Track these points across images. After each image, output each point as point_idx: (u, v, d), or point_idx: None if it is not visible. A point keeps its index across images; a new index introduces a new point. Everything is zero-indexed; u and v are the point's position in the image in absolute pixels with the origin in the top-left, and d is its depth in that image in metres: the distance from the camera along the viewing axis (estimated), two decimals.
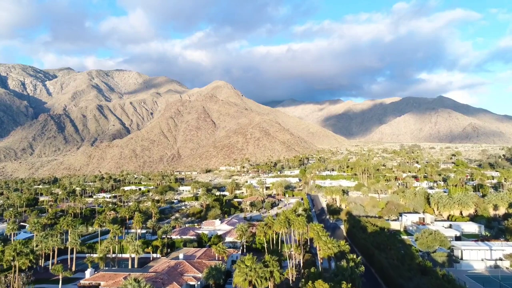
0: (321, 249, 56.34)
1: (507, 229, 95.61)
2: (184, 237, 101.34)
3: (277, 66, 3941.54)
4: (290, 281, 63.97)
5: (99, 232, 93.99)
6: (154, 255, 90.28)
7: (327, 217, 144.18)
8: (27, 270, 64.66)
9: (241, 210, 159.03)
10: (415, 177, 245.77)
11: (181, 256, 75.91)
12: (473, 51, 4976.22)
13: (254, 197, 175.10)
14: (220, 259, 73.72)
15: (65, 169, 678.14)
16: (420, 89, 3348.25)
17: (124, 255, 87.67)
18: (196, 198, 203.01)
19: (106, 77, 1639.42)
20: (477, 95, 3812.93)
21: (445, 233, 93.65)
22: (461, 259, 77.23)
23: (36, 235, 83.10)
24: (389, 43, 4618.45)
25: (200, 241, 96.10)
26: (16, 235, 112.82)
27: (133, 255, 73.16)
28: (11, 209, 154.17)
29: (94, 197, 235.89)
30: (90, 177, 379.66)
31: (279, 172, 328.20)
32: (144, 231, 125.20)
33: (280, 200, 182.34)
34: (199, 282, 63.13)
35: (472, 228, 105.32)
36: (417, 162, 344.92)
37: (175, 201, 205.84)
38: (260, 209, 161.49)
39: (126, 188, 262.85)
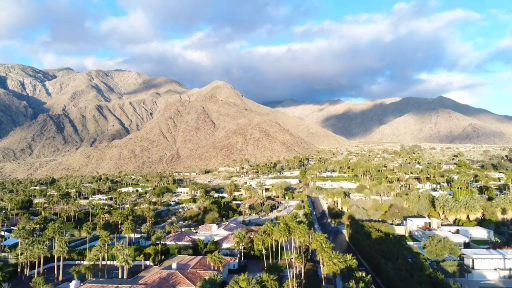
0: (325, 264, 51.60)
1: None
2: (179, 243, 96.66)
3: (277, 66, 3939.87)
4: None
5: (87, 239, 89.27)
6: (147, 262, 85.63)
7: (329, 220, 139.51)
8: (7, 281, 59.90)
9: (240, 213, 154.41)
10: (417, 179, 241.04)
11: (174, 265, 71.29)
12: (473, 51, 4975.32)
13: (253, 200, 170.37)
14: (216, 268, 69.15)
15: (63, 169, 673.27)
16: (420, 89, 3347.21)
17: (115, 263, 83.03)
18: (194, 200, 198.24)
19: (105, 77, 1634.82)
20: (477, 95, 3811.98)
21: (453, 239, 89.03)
22: (473, 268, 72.58)
23: (21, 243, 78.41)
24: (389, 43, 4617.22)
25: (195, 248, 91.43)
26: (5, 240, 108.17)
27: (123, 264, 68.53)
28: (2, 212, 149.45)
29: (90, 199, 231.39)
30: (88, 178, 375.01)
31: (278, 173, 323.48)
32: (138, 235, 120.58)
33: (280, 202, 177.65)
34: None
35: (480, 233, 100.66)
36: (419, 163, 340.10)
37: (172, 203, 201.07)
38: (259, 212, 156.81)
39: (123, 190, 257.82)
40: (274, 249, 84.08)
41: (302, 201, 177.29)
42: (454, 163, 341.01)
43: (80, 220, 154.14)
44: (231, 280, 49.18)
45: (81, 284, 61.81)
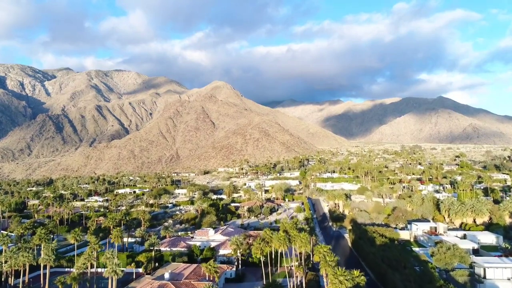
0: (330, 282, 46.96)
1: None
2: (174, 249, 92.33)
3: (277, 67, 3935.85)
4: None
5: (75, 246, 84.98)
6: (139, 269, 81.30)
7: (330, 224, 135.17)
8: None
9: (238, 216, 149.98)
10: (420, 180, 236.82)
11: (167, 275, 67.01)
12: (473, 51, 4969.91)
13: (252, 202, 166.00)
14: (211, 279, 64.89)
15: (62, 170, 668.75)
16: (420, 89, 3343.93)
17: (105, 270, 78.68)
18: (192, 202, 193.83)
19: (105, 78, 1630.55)
20: (477, 95, 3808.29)
21: (461, 246, 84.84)
22: (485, 278, 68.27)
23: (5, 250, 74.10)
24: (389, 43, 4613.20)
25: (191, 255, 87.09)
26: None
27: (112, 275, 64.22)
28: None
29: (86, 200, 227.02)
30: (85, 179, 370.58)
31: (278, 174, 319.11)
32: (133, 240, 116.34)
33: (280, 205, 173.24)
34: None
35: (489, 238, 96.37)
36: (420, 164, 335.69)
37: (169, 205, 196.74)
38: (258, 215, 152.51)
39: (120, 191, 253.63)
40: (273, 256, 79.77)
41: (302, 203, 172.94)
42: (456, 164, 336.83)
43: (74, 223, 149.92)
44: None
45: None
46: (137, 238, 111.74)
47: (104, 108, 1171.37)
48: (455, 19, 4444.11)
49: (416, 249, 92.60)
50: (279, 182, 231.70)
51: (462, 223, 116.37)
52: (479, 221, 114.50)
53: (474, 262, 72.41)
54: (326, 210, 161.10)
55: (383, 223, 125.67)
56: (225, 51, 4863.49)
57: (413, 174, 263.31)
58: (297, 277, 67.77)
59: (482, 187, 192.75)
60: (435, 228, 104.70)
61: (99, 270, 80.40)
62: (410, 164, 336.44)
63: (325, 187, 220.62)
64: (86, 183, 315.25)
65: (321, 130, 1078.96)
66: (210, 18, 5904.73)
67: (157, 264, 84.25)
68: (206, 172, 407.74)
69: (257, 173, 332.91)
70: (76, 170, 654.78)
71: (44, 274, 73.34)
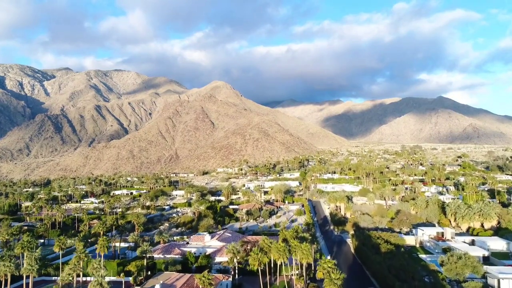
0: None
1: None
2: (168, 256, 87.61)
3: (277, 67, 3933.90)
4: None
5: (60, 254, 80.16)
6: (129, 278, 76.53)
7: (331, 227, 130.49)
8: None
9: (237, 219, 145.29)
10: (422, 181, 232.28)
11: (157, 287, 62.36)
12: (473, 51, 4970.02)
13: (250, 204, 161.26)
14: None
15: (61, 170, 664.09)
16: (420, 89, 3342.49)
17: (94, 279, 73.93)
18: (190, 204, 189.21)
19: (104, 77, 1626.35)
20: (477, 95, 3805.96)
21: (470, 253, 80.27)
22: None
23: None
24: (389, 43, 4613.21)
25: (185, 262, 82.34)
26: None
27: None
28: None
29: (81, 202, 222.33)
30: (83, 180, 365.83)
31: (278, 175, 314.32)
32: (126, 245, 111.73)
33: (279, 207, 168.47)
34: None
35: (499, 244, 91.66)
36: (421, 164, 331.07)
37: (166, 207, 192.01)
38: (257, 218, 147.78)
39: (117, 192, 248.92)
40: (272, 265, 75.11)
41: (303, 206, 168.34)
42: (458, 165, 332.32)
43: (67, 227, 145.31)
44: None
45: None
46: (131, 243, 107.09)
47: (104, 108, 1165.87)
48: (455, 19, 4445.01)
49: (422, 256, 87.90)
50: (279, 184, 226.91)
51: (469, 227, 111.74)
52: (487, 225, 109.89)
53: (487, 273, 67.79)
54: (327, 212, 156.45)
55: (386, 227, 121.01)
56: (225, 51, 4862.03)
57: (415, 175, 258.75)
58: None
59: (486, 189, 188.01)
60: (442, 233, 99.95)
61: (88, 279, 75.82)
62: (411, 164, 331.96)
63: (326, 188, 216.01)
64: (83, 184, 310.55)
65: (321, 130, 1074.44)
66: (210, 18, 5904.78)
67: (149, 272, 79.59)
68: (205, 173, 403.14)
69: (257, 173, 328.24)
70: (75, 171, 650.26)
71: (27, 284, 68.75)
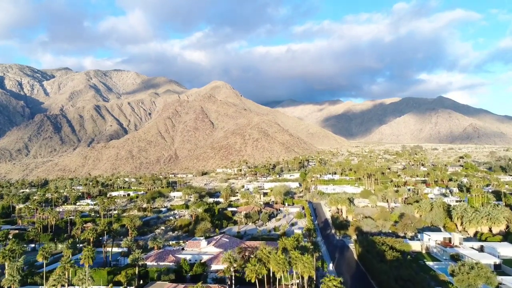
0: None
1: None
2: (162, 263, 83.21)
3: (277, 67, 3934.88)
4: None
5: (44, 264, 75.60)
6: None
7: (333, 231, 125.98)
8: None
9: (235, 223, 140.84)
10: (424, 182, 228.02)
11: None
12: (473, 51, 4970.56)
13: (249, 207, 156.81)
14: None
15: (59, 170, 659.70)
16: (420, 89, 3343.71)
17: None
18: (187, 206, 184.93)
19: (104, 77, 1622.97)
20: (477, 95, 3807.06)
21: (481, 260, 75.94)
22: None
23: None
24: (389, 43, 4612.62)
25: (179, 271, 77.83)
26: None
27: None
28: None
29: (77, 204, 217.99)
30: (81, 180, 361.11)
31: (278, 176, 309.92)
32: (119, 250, 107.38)
33: (279, 209, 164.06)
34: None
35: (510, 251, 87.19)
36: (423, 165, 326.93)
37: (163, 209, 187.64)
38: (256, 221, 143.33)
39: (113, 194, 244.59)
40: (271, 275, 70.67)
41: (303, 208, 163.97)
42: (460, 165, 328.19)
43: (60, 230, 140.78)
44: None
45: None
46: (124, 248, 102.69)
47: (103, 108, 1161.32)
48: (455, 19, 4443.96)
49: (430, 263, 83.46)
50: (279, 185, 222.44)
51: (476, 232, 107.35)
52: (495, 230, 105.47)
53: (502, 284, 63.50)
54: (328, 215, 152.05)
55: (390, 231, 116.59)
56: (225, 51, 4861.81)
57: (417, 176, 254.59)
58: None
59: (490, 190, 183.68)
60: (449, 239, 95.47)
61: None
62: (412, 165, 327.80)
63: (327, 190, 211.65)
64: (80, 185, 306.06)
65: (320, 130, 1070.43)
66: (210, 18, 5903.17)
67: (141, 281, 75.14)
68: (204, 173, 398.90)
69: (256, 174, 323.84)
70: (74, 171, 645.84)
71: None
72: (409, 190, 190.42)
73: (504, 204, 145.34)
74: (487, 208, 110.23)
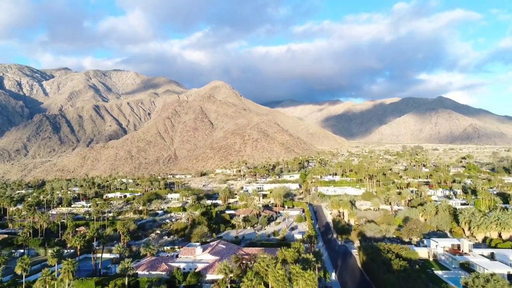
0: None
1: None
2: (154, 272, 78.39)
3: (277, 67, 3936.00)
4: None
5: (23, 275, 70.72)
6: None
7: (334, 236, 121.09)
8: None
9: (233, 226, 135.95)
10: (427, 184, 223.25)
11: None
12: (473, 51, 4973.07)
13: (248, 210, 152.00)
14: None
15: (58, 171, 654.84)
16: (419, 89, 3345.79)
17: None
18: (184, 208, 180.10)
19: (103, 77, 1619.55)
20: (477, 95, 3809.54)
21: (492, 269, 71.25)
22: None
23: None
24: (389, 43, 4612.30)
25: (172, 281, 73.05)
26: None
27: None
28: None
29: (72, 206, 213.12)
30: (78, 181, 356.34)
31: (277, 176, 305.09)
32: (112, 256, 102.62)
33: (279, 212, 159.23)
34: None
35: None
36: (424, 166, 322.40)
37: (160, 211, 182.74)
38: (255, 225, 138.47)
39: (110, 195, 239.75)
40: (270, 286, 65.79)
41: (303, 211, 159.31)
42: (463, 166, 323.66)
43: (52, 234, 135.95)
44: None
45: None
46: (116, 255, 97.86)
47: (102, 108, 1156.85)
48: (455, 19, 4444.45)
49: (438, 272, 78.62)
50: (278, 186, 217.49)
51: (485, 237, 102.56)
52: (505, 235, 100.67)
53: None
54: (329, 218, 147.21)
55: (394, 236, 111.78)
56: (225, 51, 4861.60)
57: (419, 177, 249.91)
58: None
59: (495, 192, 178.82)
60: (458, 245, 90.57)
61: None
62: (414, 166, 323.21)
63: (327, 191, 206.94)
64: (76, 186, 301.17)
65: (320, 131, 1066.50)
66: (210, 18, 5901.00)
67: None
68: (203, 174, 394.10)
69: (255, 175, 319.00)
70: (73, 171, 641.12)
71: None
72: (412, 192, 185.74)
73: (511, 206, 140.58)
74: (496, 213, 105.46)
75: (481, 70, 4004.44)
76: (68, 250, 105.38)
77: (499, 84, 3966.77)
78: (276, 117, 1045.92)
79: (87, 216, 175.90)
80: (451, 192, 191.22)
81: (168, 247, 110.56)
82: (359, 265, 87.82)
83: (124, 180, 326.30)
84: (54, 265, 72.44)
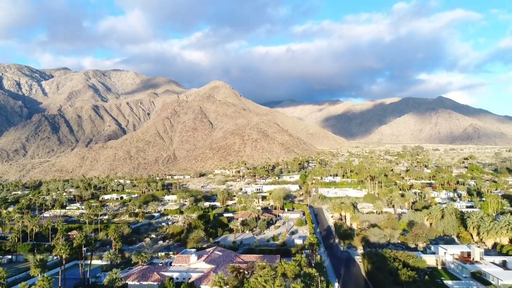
0: None
1: None
2: (144, 283, 73.42)
3: (276, 67, 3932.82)
4: None
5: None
6: None
7: (336, 241, 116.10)
8: None
9: (231, 230, 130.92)
10: (430, 185, 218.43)
11: None
12: (473, 51, 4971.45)
13: (247, 213, 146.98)
14: None
15: (56, 171, 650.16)
16: (419, 89, 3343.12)
17: None
18: (181, 211, 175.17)
19: (103, 77, 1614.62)
20: (477, 95, 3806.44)
21: (506, 280, 66.42)
22: None
23: None
24: (389, 43, 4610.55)
25: None
26: None
27: None
28: None
29: (67, 208, 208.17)
30: (76, 182, 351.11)
31: (277, 177, 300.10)
32: (103, 263, 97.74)
33: (278, 215, 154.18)
34: None
35: None
36: (426, 166, 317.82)
37: (156, 214, 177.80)
38: (254, 229, 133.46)
39: (106, 197, 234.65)
40: None
41: (304, 214, 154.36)
42: (465, 167, 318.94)
43: (43, 238, 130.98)
44: None
45: None
46: (106, 262, 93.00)
47: (101, 108, 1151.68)
48: (455, 19, 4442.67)
49: (448, 282, 73.71)
50: (278, 188, 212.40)
51: (495, 243, 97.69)
52: None
53: None
54: (330, 222, 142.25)
55: (399, 241, 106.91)
56: (224, 51, 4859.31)
57: (422, 178, 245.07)
58: None
59: (500, 194, 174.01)
60: (468, 253, 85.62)
61: None
62: (415, 166, 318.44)
63: (328, 193, 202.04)
64: (73, 187, 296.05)
65: (320, 131, 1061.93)
66: (209, 17, 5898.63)
67: None
68: (202, 175, 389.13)
69: (255, 176, 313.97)
70: (71, 172, 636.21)
71: None
72: (415, 193, 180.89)
73: None
74: (507, 217, 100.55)
75: (481, 70, 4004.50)
76: (57, 256, 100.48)
77: (499, 84, 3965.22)
78: (276, 117, 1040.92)
79: (82, 219, 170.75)
80: (455, 194, 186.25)
81: (163, 253, 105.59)
82: (364, 274, 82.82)
83: (121, 181, 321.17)
84: (37, 276, 67.57)
